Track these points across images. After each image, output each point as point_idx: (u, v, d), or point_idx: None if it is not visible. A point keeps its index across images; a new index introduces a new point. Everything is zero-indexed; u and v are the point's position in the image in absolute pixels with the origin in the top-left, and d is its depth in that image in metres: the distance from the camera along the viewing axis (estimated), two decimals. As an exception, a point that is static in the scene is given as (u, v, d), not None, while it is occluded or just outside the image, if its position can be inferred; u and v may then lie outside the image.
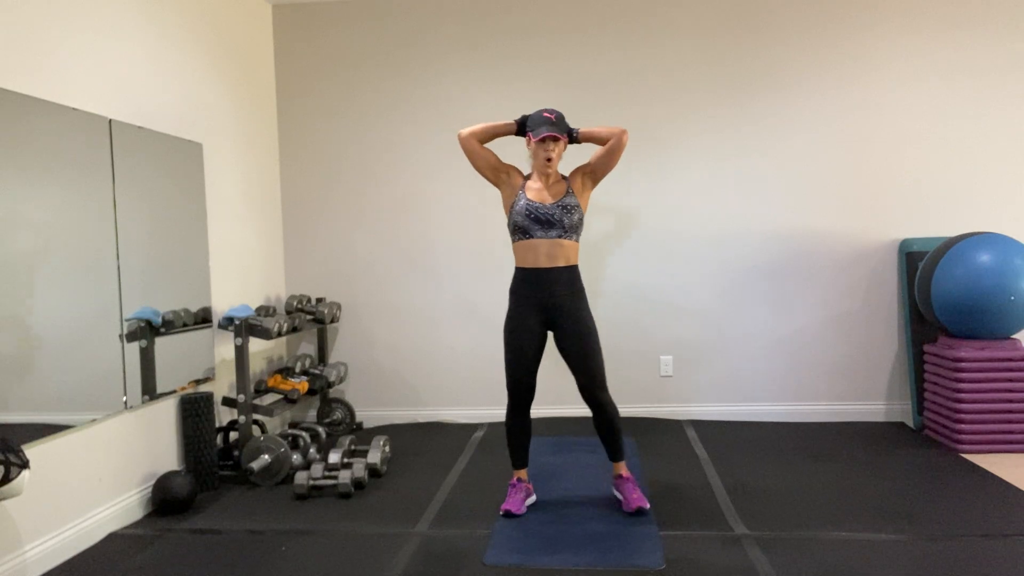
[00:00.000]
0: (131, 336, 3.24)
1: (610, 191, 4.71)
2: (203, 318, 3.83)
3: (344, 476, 3.46)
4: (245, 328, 3.80)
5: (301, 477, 3.49)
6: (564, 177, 3.24)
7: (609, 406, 3.18)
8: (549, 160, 3.12)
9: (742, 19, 4.61)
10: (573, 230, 3.14)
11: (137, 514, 3.29)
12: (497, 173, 3.24)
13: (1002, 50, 4.49)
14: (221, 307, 4.04)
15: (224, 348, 4.05)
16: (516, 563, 2.71)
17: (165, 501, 3.29)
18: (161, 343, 3.46)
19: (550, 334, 3.25)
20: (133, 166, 3.29)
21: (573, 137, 3.21)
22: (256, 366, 4.39)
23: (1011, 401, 3.93)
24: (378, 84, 4.80)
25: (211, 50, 4.03)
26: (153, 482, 3.37)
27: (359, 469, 3.55)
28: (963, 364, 3.94)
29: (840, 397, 4.70)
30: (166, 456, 3.53)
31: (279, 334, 3.93)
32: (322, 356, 4.81)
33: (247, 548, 2.92)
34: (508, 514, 3.14)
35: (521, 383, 3.19)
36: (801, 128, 4.62)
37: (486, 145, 3.26)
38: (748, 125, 4.64)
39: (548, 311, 3.15)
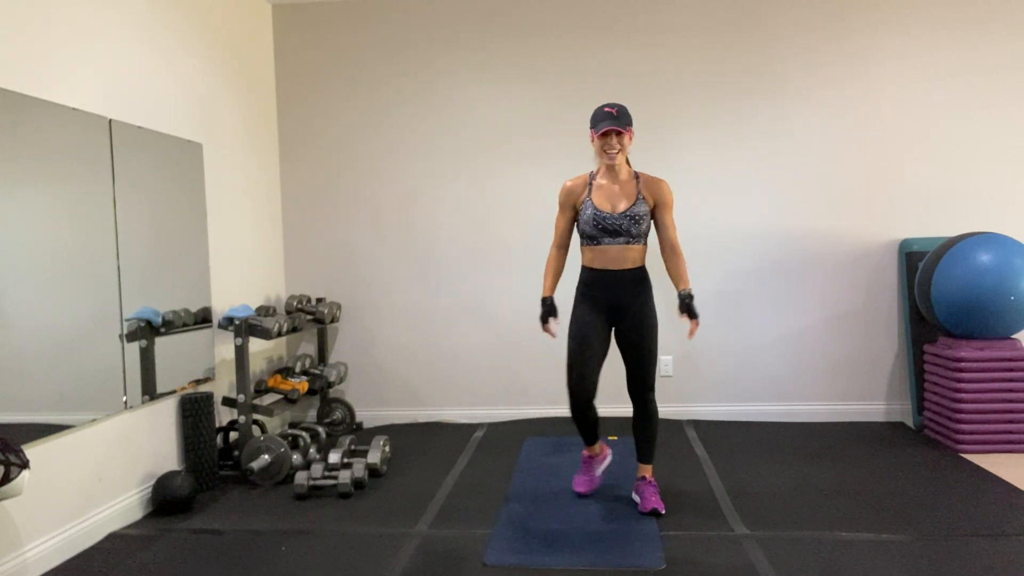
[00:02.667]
0: (131, 336, 3.24)
1: (610, 191, 4.70)
2: (203, 318, 3.83)
3: (344, 476, 3.46)
4: (245, 328, 3.80)
5: (301, 477, 3.49)
6: (636, 176, 3.17)
7: (653, 406, 3.22)
8: (612, 154, 3.06)
9: (742, 19, 4.61)
10: (641, 236, 3.13)
11: (137, 514, 3.29)
12: (572, 210, 3.22)
13: (1002, 50, 4.49)
14: (221, 307, 4.04)
15: (224, 348, 4.05)
16: (516, 563, 2.71)
17: (165, 501, 3.29)
18: (161, 343, 3.46)
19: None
20: (133, 166, 3.29)
21: (687, 303, 3.15)
22: (256, 366, 4.39)
23: (1011, 401, 3.93)
24: (378, 84, 4.80)
25: (211, 50, 4.03)
26: (153, 482, 3.37)
27: (359, 469, 3.55)
28: (963, 364, 3.94)
29: (840, 397, 4.70)
30: (166, 456, 3.53)
31: (279, 334, 3.93)
32: (322, 356, 4.81)
33: (247, 548, 2.92)
34: (578, 494, 3.38)
35: (585, 381, 3.14)
36: (801, 128, 4.62)
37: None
38: (748, 125, 4.64)
39: (613, 311, 3.16)
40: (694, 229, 4.70)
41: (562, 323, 4.67)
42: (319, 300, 4.82)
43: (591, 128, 3.11)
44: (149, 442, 3.40)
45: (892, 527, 2.97)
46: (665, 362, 4.76)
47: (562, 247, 3.29)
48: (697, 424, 4.64)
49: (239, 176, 4.32)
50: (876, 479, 3.55)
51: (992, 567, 2.60)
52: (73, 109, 2.93)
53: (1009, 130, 4.52)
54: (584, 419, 3.27)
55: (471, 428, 4.71)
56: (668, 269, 3.20)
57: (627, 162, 3.17)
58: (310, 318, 4.50)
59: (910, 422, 4.61)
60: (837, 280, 4.66)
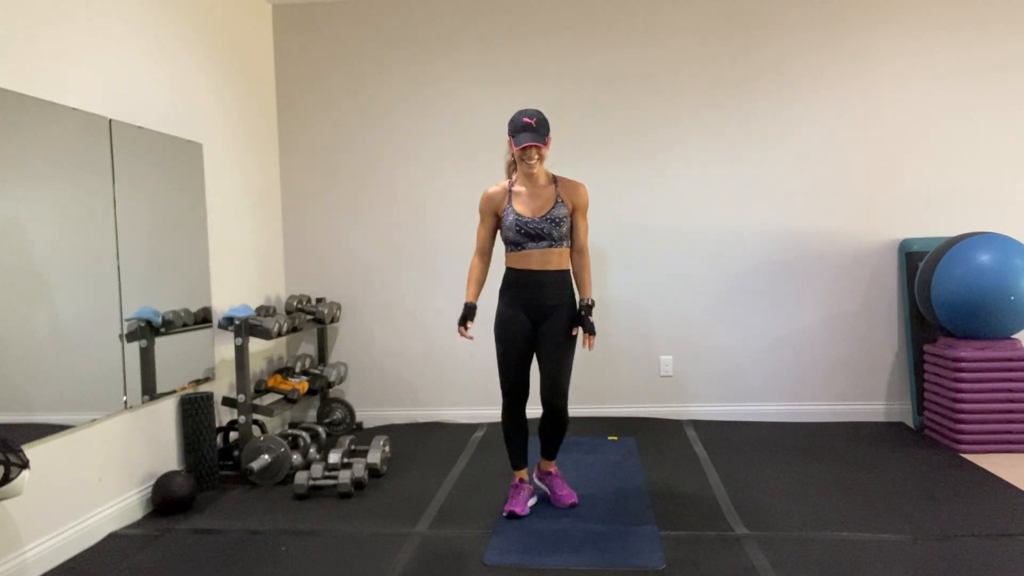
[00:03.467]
0: (131, 336, 3.24)
1: (610, 191, 4.71)
2: (203, 318, 3.83)
3: (344, 476, 3.46)
4: (245, 328, 3.80)
5: (301, 477, 3.49)
6: (555, 180, 3.18)
7: (565, 414, 3.20)
8: (531, 165, 3.08)
9: (741, 20, 4.61)
10: (563, 239, 3.15)
11: (137, 514, 3.29)
12: (493, 217, 3.22)
13: (1002, 50, 4.49)
14: (221, 307, 4.04)
15: (224, 348, 4.05)
16: (516, 563, 2.71)
17: (165, 501, 3.29)
18: (161, 343, 3.46)
19: None
20: (133, 166, 3.29)
21: (587, 306, 3.18)
22: (256, 366, 4.39)
23: (1011, 401, 3.93)
24: (378, 84, 4.80)
25: (211, 50, 4.03)
26: (153, 482, 3.37)
27: (359, 469, 3.55)
28: (963, 364, 3.94)
29: (840, 397, 4.70)
30: (166, 456, 3.53)
31: (279, 334, 3.93)
32: (322, 356, 4.81)
33: (247, 548, 2.92)
34: (512, 515, 3.13)
35: (515, 380, 3.19)
36: (801, 128, 4.62)
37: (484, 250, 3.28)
38: (748, 125, 4.64)
39: (537, 311, 3.16)
40: (694, 229, 4.70)
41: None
42: (319, 300, 4.82)
43: (509, 135, 3.09)
44: (149, 442, 3.40)
45: (892, 527, 2.97)
46: (665, 362, 4.76)
47: (484, 254, 3.26)
48: (697, 424, 4.64)
49: (239, 176, 4.32)
50: (876, 479, 3.55)
51: (992, 567, 2.60)
52: (73, 109, 2.93)
53: (1009, 130, 4.52)
54: (516, 428, 3.24)
55: (471, 428, 4.71)
56: (574, 273, 3.22)
57: (543, 165, 3.18)
58: (310, 318, 4.50)
59: (910, 422, 4.61)
60: (837, 280, 4.66)
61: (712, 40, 4.63)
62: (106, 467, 3.11)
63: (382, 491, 3.56)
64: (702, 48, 4.63)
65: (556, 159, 4.73)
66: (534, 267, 3.13)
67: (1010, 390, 3.93)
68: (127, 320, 3.22)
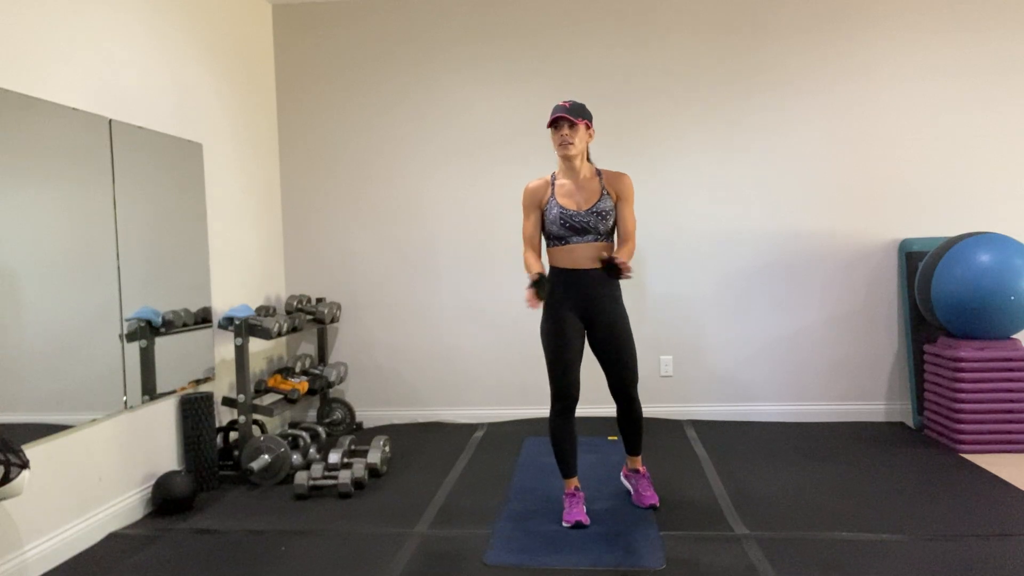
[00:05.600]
0: (131, 336, 3.24)
1: (610, 191, 4.70)
2: (203, 318, 3.83)
3: (344, 476, 3.46)
4: (245, 328, 3.80)
5: (301, 477, 3.49)
6: (599, 173, 3.12)
7: (638, 403, 3.19)
8: (565, 146, 3.00)
9: (741, 19, 4.61)
10: (608, 234, 3.09)
11: (137, 514, 3.29)
12: (538, 211, 3.14)
13: (1002, 50, 4.49)
14: (221, 307, 4.04)
15: (224, 348, 4.05)
16: (516, 563, 2.71)
17: (165, 501, 3.29)
18: (161, 343, 3.46)
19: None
20: (133, 166, 3.29)
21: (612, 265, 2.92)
22: (256, 366, 4.39)
23: (1011, 401, 3.93)
24: (378, 83, 4.80)
25: (211, 50, 4.03)
26: (153, 482, 3.37)
27: (359, 469, 3.55)
28: (963, 364, 3.94)
29: (840, 397, 4.70)
30: (166, 456, 3.53)
31: (279, 334, 3.93)
32: (322, 356, 4.81)
33: (247, 548, 2.92)
34: (579, 524, 3.02)
35: (570, 382, 3.06)
36: (801, 128, 4.62)
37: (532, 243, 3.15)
38: (748, 125, 4.64)
39: (586, 310, 3.09)
40: (694, 229, 4.70)
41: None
42: (319, 300, 4.82)
43: (548, 125, 3.06)
44: (149, 442, 3.40)
45: (892, 527, 2.97)
46: (665, 362, 4.76)
47: (535, 248, 3.14)
48: (697, 424, 4.64)
49: (239, 176, 4.32)
50: (876, 479, 3.55)
51: (992, 567, 2.60)
52: (73, 109, 2.93)
53: (1009, 130, 4.52)
54: (568, 434, 3.10)
55: (471, 428, 4.71)
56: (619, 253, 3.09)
57: (588, 159, 3.13)
58: (310, 318, 4.50)
59: (910, 422, 4.61)
60: (837, 280, 4.66)
61: (712, 39, 4.63)
62: (106, 467, 3.11)
63: (382, 491, 3.56)
64: (701, 47, 4.64)
65: (556, 157, 4.73)
66: (580, 265, 3.05)
67: (1010, 390, 3.93)
68: (127, 320, 3.21)
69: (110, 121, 3.14)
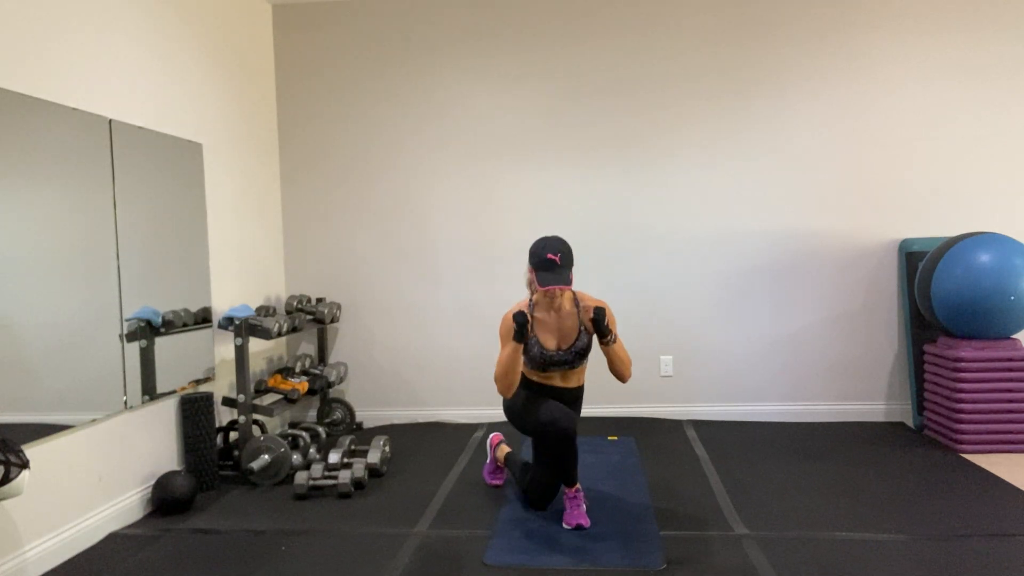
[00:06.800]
0: (131, 336, 3.24)
1: (610, 192, 4.71)
2: (203, 318, 3.83)
3: (344, 476, 3.46)
4: (245, 328, 3.80)
5: (301, 477, 3.49)
6: (576, 304, 3.17)
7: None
8: (554, 300, 3.11)
9: (742, 20, 4.61)
10: (585, 359, 3.23)
11: (137, 514, 3.29)
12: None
13: (1002, 50, 4.49)
14: (221, 307, 4.04)
15: (224, 348, 4.05)
16: (516, 563, 2.71)
17: (165, 501, 3.29)
18: (161, 343, 3.46)
19: None
20: (133, 166, 3.29)
21: (606, 339, 3.03)
22: (256, 366, 4.39)
23: (1011, 401, 3.93)
24: (378, 84, 4.80)
25: (211, 50, 4.03)
26: (153, 482, 3.37)
27: (359, 469, 3.55)
28: (963, 364, 3.94)
29: (840, 397, 4.70)
30: (166, 456, 3.53)
31: (279, 334, 3.93)
32: (322, 356, 4.81)
33: (247, 548, 2.92)
34: (579, 527, 3.01)
35: (564, 413, 3.02)
36: (801, 128, 4.62)
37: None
38: (748, 125, 4.64)
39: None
40: (694, 229, 4.70)
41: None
42: (319, 300, 4.82)
43: (530, 263, 3.04)
44: (149, 442, 3.40)
45: (892, 527, 2.97)
46: (665, 362, 4.76)
47: (517, 382, 3.08)
48: (697, 424, 4.64)
49: (239, 176, 4.32)
50: (876, 479, 3.55)
51: (992, 567, 2.60)
52: (73, 109, 2.93)
53: (1009, 130, 4.52)
54: (567, 463, 3.04)
55: (471, 428, 4.71)
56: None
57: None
58: (310, 318, 4.50)
59: (910, 422, 4.61)
60: (837, 280, 4.66)
61: (712, 41, 4.63)
62: (106, 467, 3.11)
63: (382, 491, 3.56)
64: (702, 49, 4.63)
65: (557, 162, 4.73)
66: (557, 383, 3.26)
67: (1010, 390, 3.93)
68: (127, 320, 3.21)
69: (110, 121, 3.14)
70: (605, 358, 3.33)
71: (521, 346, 3.02)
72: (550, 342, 3.15)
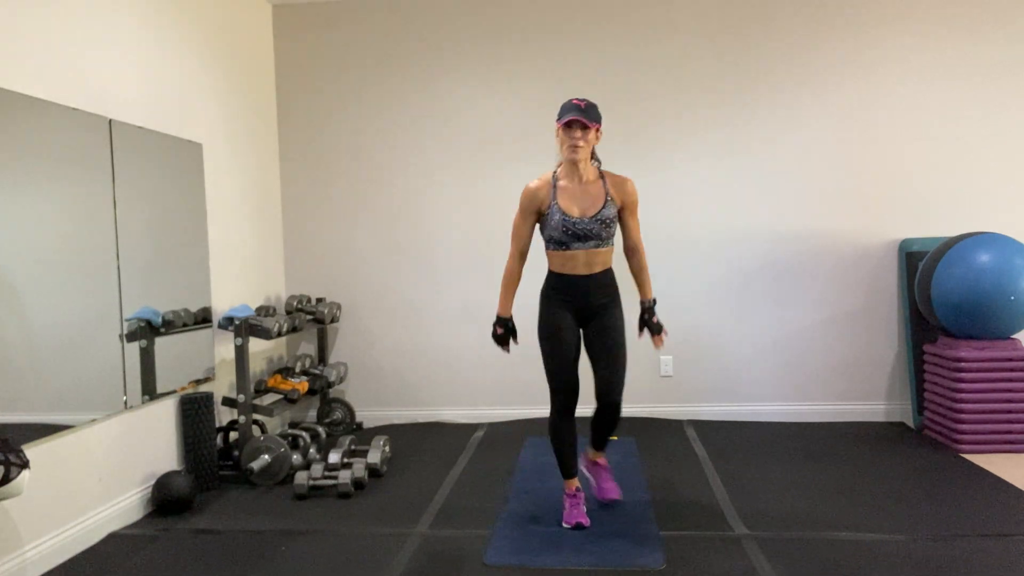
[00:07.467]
0: (131, 336, 3.24)
1: (610, 191, 4.70)
2: (203, 318, 3.83)
3: (344, 476, 3.46)
4: (245, 328, 3.80)
5: (301, 477, 3.49)
6: (602, 176, 3.03)
7: (618, 410, 3.09)
8: (575, 149, 2.92)
9: (742, 19, 4.61)
10: (610, 239, 3.02)
11: (137, 514, 3.29)
12: (536, 215, 3.06)
13: (1003, 50, 4.49)
14: (221, 307, 4.04)
15: (224, 348, 4.05)
16: (516, 563, 2.71)
17: (165, 501, 3.29)
18: (161, 343, 3.46)
19: None
20: (133, 166, 3.29)
21: (649, 307, 3.13)
22: (256, 366, 4.39)
23: (1011, 401, 3.93)
24: (378, 84, 4.80)
25: (211, 50, 4.03)
26: (153, 482, 3.37)
27: (359, 469, 3.55)
28: (963, 364, 3.94)
29: (840, 397, 4.70)
30: (166, 456, 3.53)
31: (279, 334, 3.93)
32: (322, 356, 4.81)
33: (247, 548, 2.92)
34: (579, 526, 3.02)
35: (567, 381, 3.03)
36: (801, 128, 4.62)
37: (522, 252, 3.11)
38: (748, 125, 4.64)
39: (582, 313, 3.06)
40: (694, 229, 4.70)
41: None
42: (319, 300, 4.82)
43: (557, 119, 2.96)
44: (149, 442, 3.40)
45: (892, 527, 2.97)
46: (665, 362, 4.76)
47: (523, 256, 3.10)
48: (697, 424, 4.64)
49: (239, 176, 4.32)
50: (876, 479, 3.55)
51: (992, 567, 2.60)
52: (73, 109, 2.93)
53: (1009, 130, 4.52)
54: (568, 431, 3.07)
55: (471, 428, 4.71)
56: (633, 273, 3.14)
57: (594, 157, 3.04)
58: (310, 318, 4.50)
59: (910, 422, 4.61)
60: (837, 280, 4.66)
61: (712, 40, 4.63)
62: (106, 467, 3.11)
63: (382, 491, 3.56)
64: (702, 48, 4.63)
65: (556, 157, 4.72)
66: (580, 271, 3.00)
67: (1010, 390, 3.93)
68: (127, 320, 3.22)
69: (110, 121, 3.14)
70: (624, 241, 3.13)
71: (519, 267, 3.10)
72: (573, 210, 2.97)
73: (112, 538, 3.05)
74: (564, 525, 3.04)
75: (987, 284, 3.88)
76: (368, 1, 4.78)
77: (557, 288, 3.06)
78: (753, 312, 4.71)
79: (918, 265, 4.43)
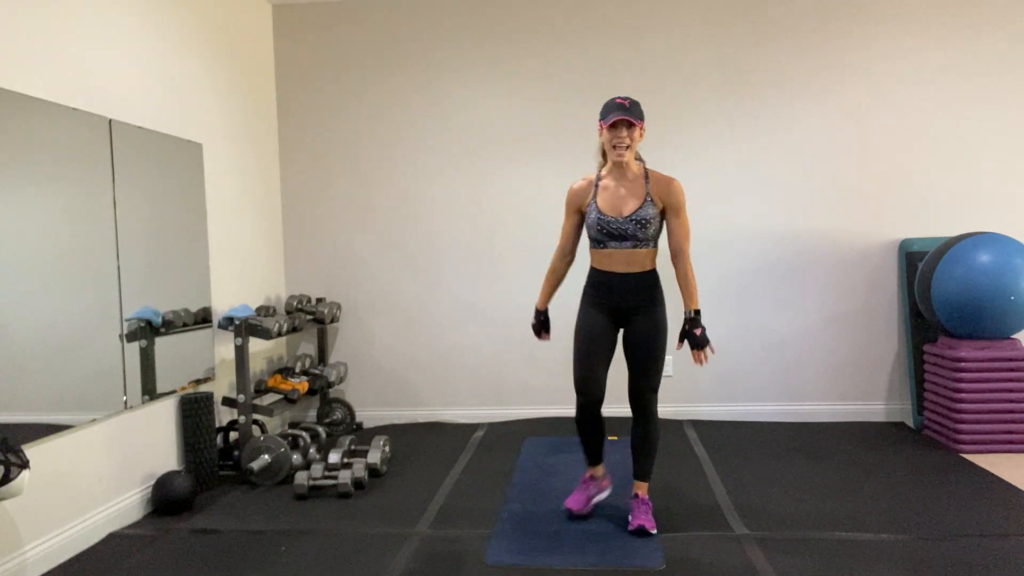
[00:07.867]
0: (131, 336, 3.24)
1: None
2: (203, 318, 3.83)
3: (344, 476, 3.46)
4: (245, 328, 3.80)
5: (301, 477, 3.49)
6: (646, 174, 2.97)
7: (655, 416, 3.03)
8: (620, 150, 2.87)
9: (743, 19, 4.61)
10: (650, 240, 2.96)
11: (137, 514, 3.29)
12: (578, 214, 3.08)
13: (1003, 50, 4.49)
14: (221, 307, 4.04)
15: (224, 348, 4.05)
16: (516, 563, 2.71)
17: (165, 501, 3.29)
18: (161, 343, 3.46)
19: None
20: (133, 166, 3.29)
21: (691, 318, 2.98)
22: (256, 366, 4.39)
23: (1011, 401, 3.93)
24: (378, 84, 4.80)
25: (212, 50, 4.03)
26: (153, 482, 3.37)
27: (359, 469, 3.55)
28: (963, 364, 3.94)
29: (840, 397, 4.70)
30: (166, 456, 3.53)
31: (279, 334, 3.93)
32: (322, 356, 4.81)
33: (247, 548, 2.92)
34: (568, 512, 3.06)
35: (589, 381, 2.99)
36: (801, 128, 4.62)
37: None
38: (748, 125, 4.64)
39: (618, 312, 3.01)
40: (694, 229, 4.69)
41: (563, 329, 4.69)
42: (319, 300, 4.82)
43: (600, 119, 2.92)
44: (149, 442, 3.40)
45: (892, 527, 2.97)
46: (665, 362, 4.75)
47: (567, 254, 3.13)
48: (697, 424, 4.64)
49: (239, 176, 4.32)
50: (876, 479, 3.55)
51: (992, 567, 2.60)
52: (73, 109, 2.93)
53: (1009, 130, 4.52)
54: (590, 427, 3.06)
55: (471, 428, 4.71)
56: (677, 279, 3.04)
57: (639, 158, 3.01)
58: (310, 318, 4.50)
59: (910, 422, 4.61)
60: (837, 280, 4.66)
61: (712, 40, 4.63)
62: (106, 467, 3.11)
63: (382, 491, 3.56)
64: (703, 50, 4.63)
65: (557, 161, 4.73)
66: (617, 269, 2.96)
67: (1010, 390, 3.93)
68: (127, 320, 3.22)
69: (110, 121, 3.14)
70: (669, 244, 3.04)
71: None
72: (609, 209, 2.95)
73: (112, 538, 3.05)
74: (564, 507, 3.16)
75: (987, 284, 3.88)
76: (368, 1, 4.78)
77: (595, 284, 3.05)
78: (753, 312, 4.71)
79: (918, 265, 4.43)
